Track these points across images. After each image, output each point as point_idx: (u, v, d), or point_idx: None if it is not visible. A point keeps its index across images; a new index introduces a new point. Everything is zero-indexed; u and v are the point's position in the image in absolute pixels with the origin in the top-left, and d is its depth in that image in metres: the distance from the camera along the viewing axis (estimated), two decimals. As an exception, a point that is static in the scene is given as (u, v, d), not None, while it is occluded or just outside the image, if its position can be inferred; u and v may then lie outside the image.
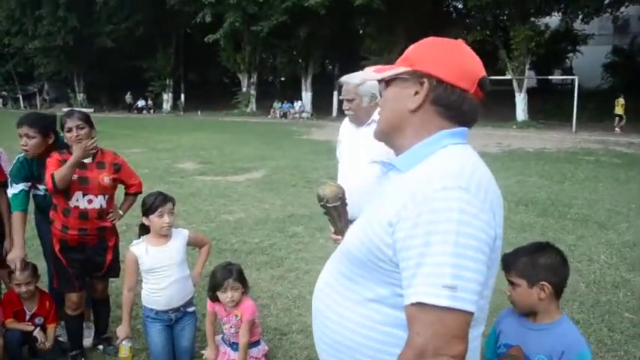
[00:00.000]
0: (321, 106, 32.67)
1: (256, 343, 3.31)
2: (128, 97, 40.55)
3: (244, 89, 36.06)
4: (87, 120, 3.25)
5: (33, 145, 3.40)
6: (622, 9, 26.40)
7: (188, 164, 12.75)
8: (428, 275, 1.13)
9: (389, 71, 1.38)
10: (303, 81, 33.95)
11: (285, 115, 33.23)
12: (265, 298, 4.50)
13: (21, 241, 3.37)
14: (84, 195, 3.22)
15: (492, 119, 23.29)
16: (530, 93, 25.91)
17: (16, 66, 43.51)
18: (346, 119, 3.31)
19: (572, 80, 25.18)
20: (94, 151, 3.22)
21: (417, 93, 1.32)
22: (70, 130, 3.17)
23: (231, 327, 3.26)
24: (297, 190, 9.47)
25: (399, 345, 1.21)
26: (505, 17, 26.90)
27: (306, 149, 15.89)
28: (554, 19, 27.44)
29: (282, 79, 40.78)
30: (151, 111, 39.44)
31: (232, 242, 6.04)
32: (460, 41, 1.39)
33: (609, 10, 25.97)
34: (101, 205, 3.29)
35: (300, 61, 34.02)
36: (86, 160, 3.27)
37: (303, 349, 3.62)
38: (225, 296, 3.18)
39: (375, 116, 3.03)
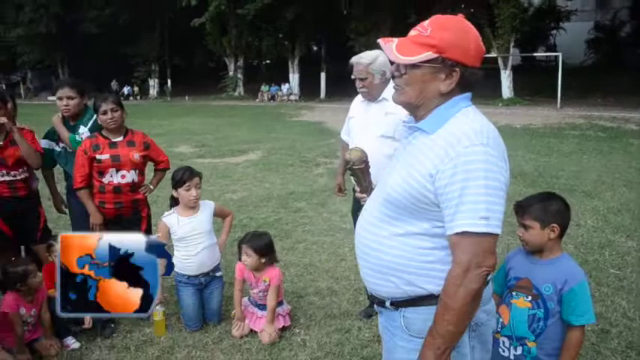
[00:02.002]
0: (309, 88, 32.70)
1: (280, 303, 3.64)
2: (114, 84, 40.17)
3: (231, 73, 36.00)
4: (119, 103, 3.54)
5: (74, 104, 3.79)
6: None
7: (184, 148, 12.94)
8: (467, 211, 1.51)
9: (419, 56, 1.59)
10: (290, 63, 33.92)
11: (273, 98, 33.26)
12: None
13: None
14: (117, 171, 3.52)
15: (479, 97, 23.26)
16: (515, 70, 26.25)
17: (-2, 55, 42.87)
18: (358, 97, 3.62)
19: (556, 57, 25.51)
20: None
21: (447, 77, 1.61)
22: (105, 112, 3.45)
23: (259, 291, 3.59)
24: (295, 169, 9.78)
25: (435, 261, 1.63)
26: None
27: (299, 130, 16.14)
28: (537, -4, 27.74)
29: (268, 61, 40.68)
30: (138, 97, 39.27)
31: (240, 218, 6.31)
32: (463, 19, 1.65)
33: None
34: (133, 180, 3.60)
35: (286, 43, 33.98)
36: (117, 139, 3.55)
37: (320, 308, 3.95)
38: (242, 257, 3.54)
39: (385, 93, 3.35)
